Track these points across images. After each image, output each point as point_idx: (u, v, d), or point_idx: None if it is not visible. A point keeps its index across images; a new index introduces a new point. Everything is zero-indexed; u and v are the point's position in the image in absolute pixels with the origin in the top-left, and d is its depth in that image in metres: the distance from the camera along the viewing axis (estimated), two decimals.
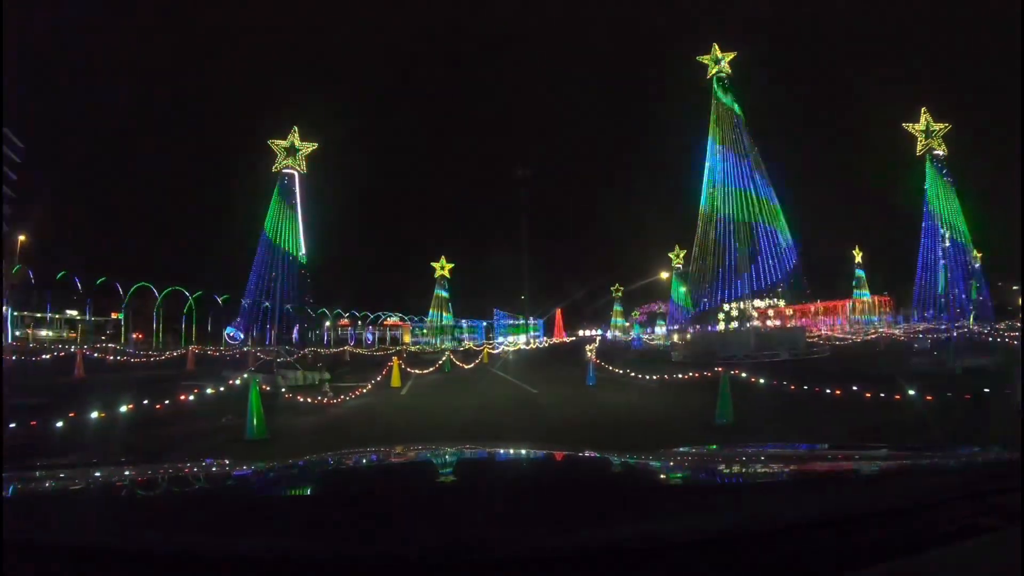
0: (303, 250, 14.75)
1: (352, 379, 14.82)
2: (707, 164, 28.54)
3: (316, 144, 15.61)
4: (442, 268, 34.02)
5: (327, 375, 15.11)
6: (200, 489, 1.50)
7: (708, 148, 28.58)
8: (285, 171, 15.97)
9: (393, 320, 78.81)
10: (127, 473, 1.72)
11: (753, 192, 26.83)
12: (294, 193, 15.31)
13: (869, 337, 32.32)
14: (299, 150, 15.91)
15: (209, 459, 2.08)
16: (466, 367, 21.06)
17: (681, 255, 40.40)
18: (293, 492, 1.49)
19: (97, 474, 1.71)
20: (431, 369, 17.89)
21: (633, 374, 13.70)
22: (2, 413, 5.17)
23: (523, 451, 2.03)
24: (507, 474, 1.68)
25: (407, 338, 63.62)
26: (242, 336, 53.24)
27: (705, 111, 30.11)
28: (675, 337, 31.11)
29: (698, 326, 29.31)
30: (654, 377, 12.62)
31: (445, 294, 34.47)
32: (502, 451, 2.00)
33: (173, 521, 1.07)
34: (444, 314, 34.47)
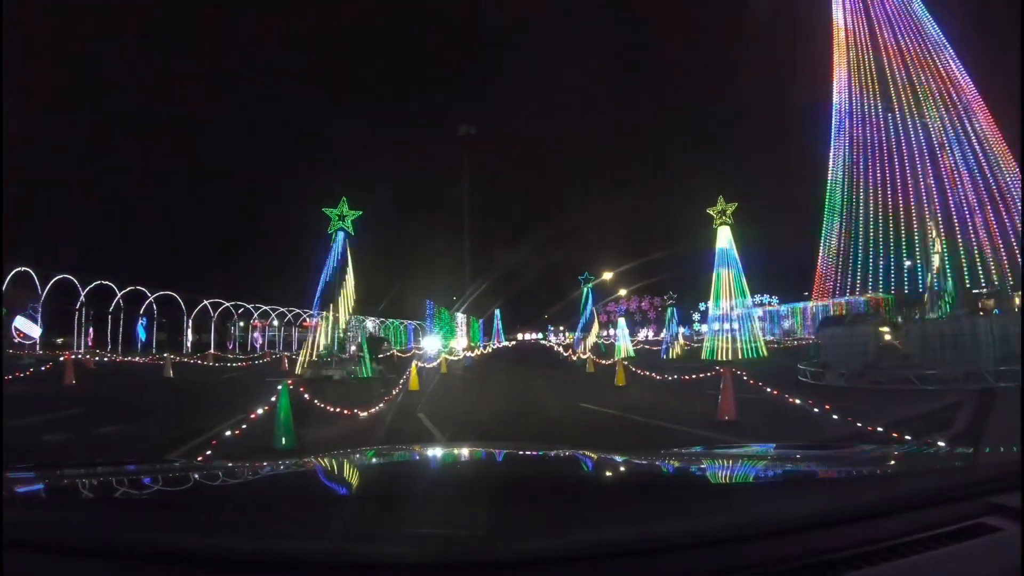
0: None
1: None
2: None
3: None
4: (340, 218, 18.56)
5: None
6: (199, 488, 1.45)
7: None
8: None
9: (313, 321, 62.51)
10: (125, 473, 1.67)
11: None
12: None
13: None
14: None
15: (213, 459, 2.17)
16: (362, 415, 7.01)
17: (730, 211, 25.56)
18: (290, 491, 1.45)
19: (95, 474, 1.61)
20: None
21: None
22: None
23: (523, 451, 2.03)
24: (506, 474, 1.66)
25: (322, 341, 47.73)
26: (40, 331, 35.46)
27: None
28: (814, 342, 17.26)
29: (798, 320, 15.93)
30: None
31: (346, 260, 18.86)
32: (501, 451, 2.00)
33: (171, 521, 1.03)
34: (346, 300, 18.98)
